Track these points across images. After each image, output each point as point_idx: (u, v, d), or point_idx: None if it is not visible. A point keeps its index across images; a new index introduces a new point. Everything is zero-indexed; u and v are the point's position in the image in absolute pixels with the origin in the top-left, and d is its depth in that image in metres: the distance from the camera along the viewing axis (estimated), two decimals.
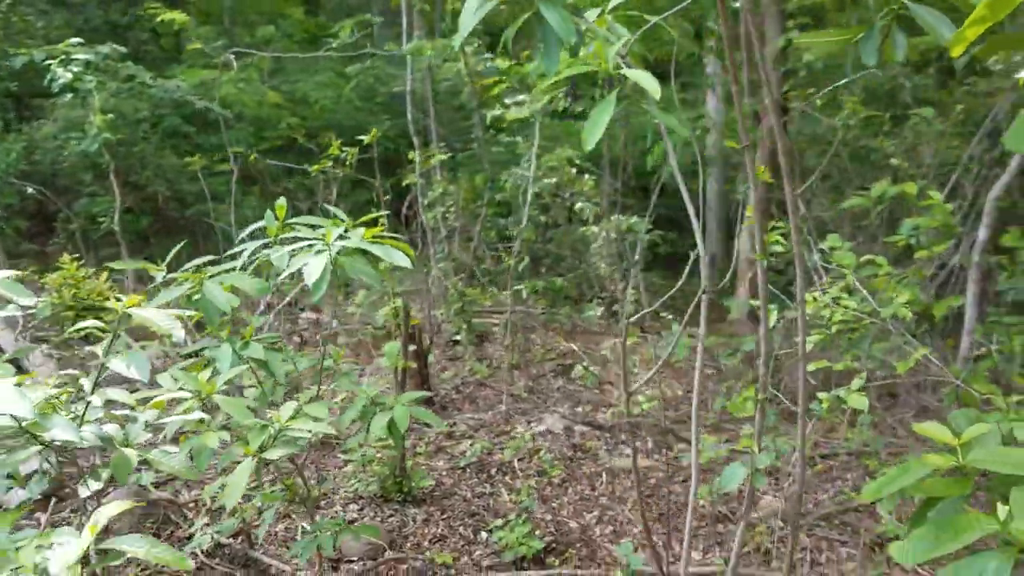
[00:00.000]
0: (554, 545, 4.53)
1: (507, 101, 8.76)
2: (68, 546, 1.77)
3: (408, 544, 4.59)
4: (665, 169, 10.34)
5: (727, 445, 5.66)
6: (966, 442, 2.05)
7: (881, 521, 4.87)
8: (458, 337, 8.33)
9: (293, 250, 3.36)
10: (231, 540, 4.45)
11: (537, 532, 4.53)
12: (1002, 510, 1.84)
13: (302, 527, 4.74)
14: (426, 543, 4.62)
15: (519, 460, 5.57)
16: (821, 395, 3.23)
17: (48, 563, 1.85)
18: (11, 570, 1.86)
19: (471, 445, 5.72)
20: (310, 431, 3.16)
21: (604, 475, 5.39)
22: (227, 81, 12.69)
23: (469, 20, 2.51)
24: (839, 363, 3.42)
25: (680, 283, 3.70)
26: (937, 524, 1.96)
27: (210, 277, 3.35)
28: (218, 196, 12.48)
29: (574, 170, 9.51)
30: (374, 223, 3.40)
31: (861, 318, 3.11)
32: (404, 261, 3.33)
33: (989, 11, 1.32)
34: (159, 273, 3.59)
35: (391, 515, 4.87)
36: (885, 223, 5.40)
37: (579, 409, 6.57)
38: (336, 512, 4.88)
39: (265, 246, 3.62)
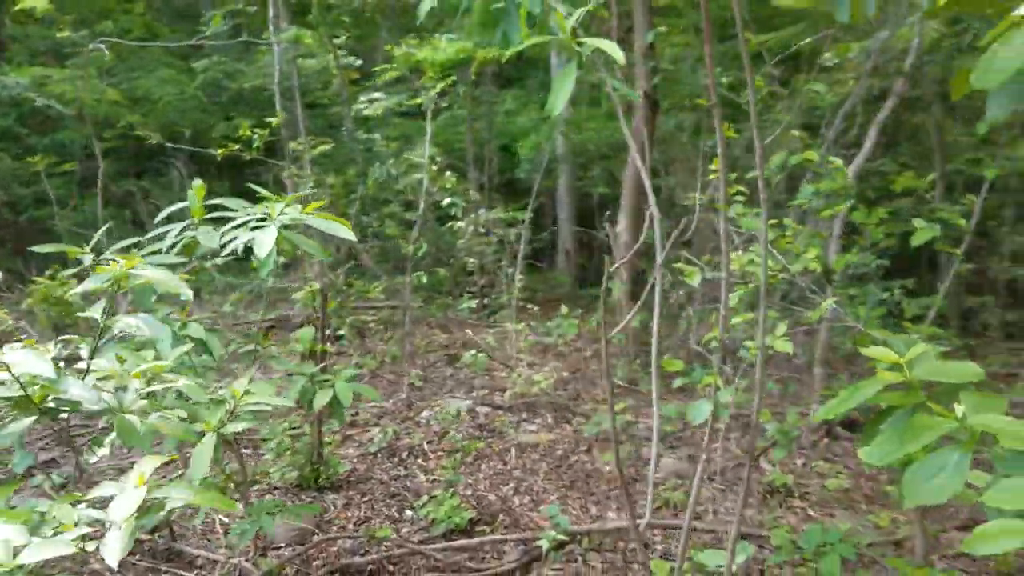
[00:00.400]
0: (478, 517, 4.67)
1: (363, 99, 8.82)
2: (126, 495, 1.76)
3: (334, 527, 4.60)
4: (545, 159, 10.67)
5: (622, 416, 5.99)
6: (910, 360, 2.37)
7: (767, 473, 5.34)
8: (341, 332, 8.29)
9: (224, 230, 3.32)
10: (150, 536, 4.30)
11: (462, 505, 4.66)
12: (958, 410, 2.14)
13: (219, 520, 4.65)
14: (351, 526, 4.64)
15: (428, 443, 5.67)
16: (748, 343, 3.58)
17: (97, 517, 1.84)
18: (53, 529, 1.84)
19: (379, 432, 5.76)
20: (268, 404, 3.16)
21: (513, 450, 5.58)
22: (62, 79, 11.96)
23: None
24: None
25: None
26: (897, 429, 2.24)
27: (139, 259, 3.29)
28: (60, 200, 11.71)
29: (435, 167, 9.67)
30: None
31: (774, 275, 3.48)
32: (348, 234, 3.40)
33: None
34: (87, 256, 3.49)
35: (310, 502, 4.85)
36: (785, 191, 5.92)
37: (474, 394, 6.73)
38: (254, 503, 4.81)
39: (187, 227, 3.58)
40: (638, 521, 3.03)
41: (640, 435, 5.84)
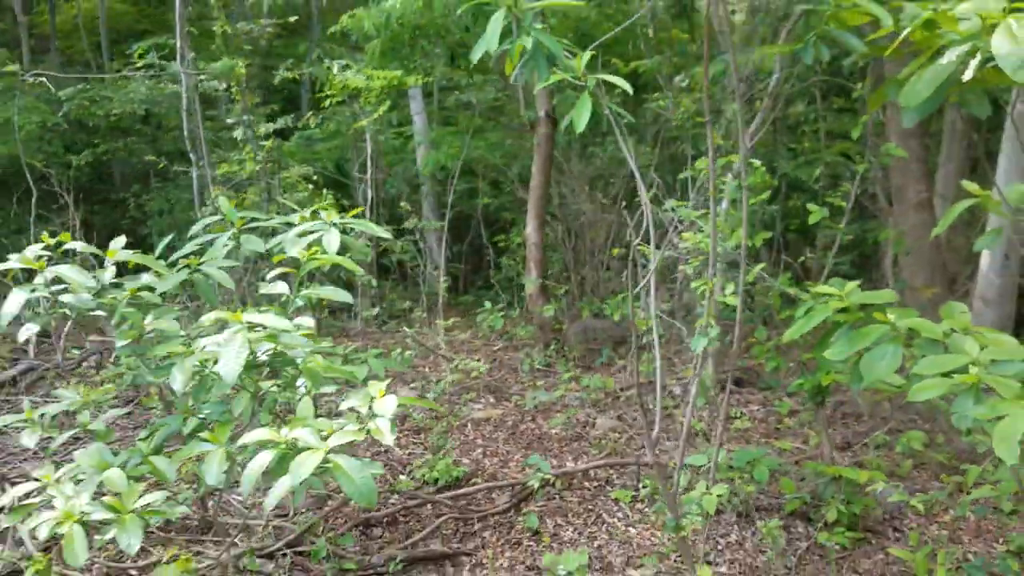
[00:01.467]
0: (468, 473, 5.48)
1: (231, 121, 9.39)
2: (385, 400, 2.50)
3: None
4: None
5: (548, 394, 6.93)
6: (847, 293, 3.43)
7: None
8: None
9: (292, 234, 3.97)
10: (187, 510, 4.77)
11: (453, 464, 5.44)
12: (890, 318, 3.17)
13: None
14: None
15: None
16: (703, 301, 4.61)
17: (342, 423, 2.56)
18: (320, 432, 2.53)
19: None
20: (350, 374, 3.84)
21: (469, 425, 6.40)
22: None
23: (493, 36, 3.48)
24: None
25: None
26: (847, 336, 3.27)
27: (200, 263, 3.93)
28: None
29: (311, 186, 10.28)
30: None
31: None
32: (385, 233, 4.17)
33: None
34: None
35: None
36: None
37: (413, 384, 7.46)
38: None
39: (228, 237, 4.22)
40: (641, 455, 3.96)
41: (571, 404, 6.81)
